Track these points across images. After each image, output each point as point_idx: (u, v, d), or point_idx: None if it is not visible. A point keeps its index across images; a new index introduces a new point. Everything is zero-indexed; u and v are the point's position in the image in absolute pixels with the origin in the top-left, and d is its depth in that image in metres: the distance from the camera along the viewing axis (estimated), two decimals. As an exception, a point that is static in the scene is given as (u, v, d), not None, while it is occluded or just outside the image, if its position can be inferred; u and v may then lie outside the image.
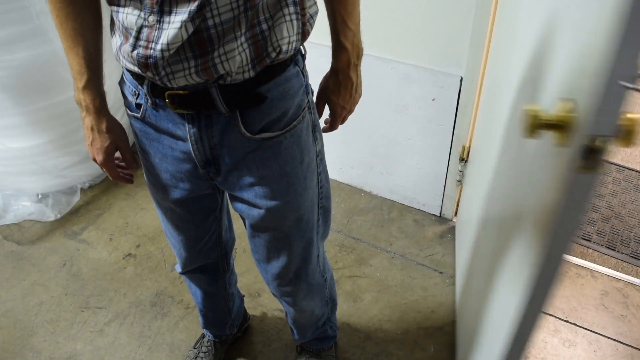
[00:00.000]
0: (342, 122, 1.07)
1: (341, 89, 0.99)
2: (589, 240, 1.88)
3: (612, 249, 1.85)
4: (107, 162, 0.95)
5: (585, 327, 1.60)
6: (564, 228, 0.62)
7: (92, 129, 0.91)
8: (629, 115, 0.54)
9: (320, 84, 1.02)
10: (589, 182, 0.58)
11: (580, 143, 0.54)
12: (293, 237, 1.01)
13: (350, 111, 1.05)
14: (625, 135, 0.54)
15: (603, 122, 0.53)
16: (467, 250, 1.53)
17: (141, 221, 2.03)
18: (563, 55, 0.69)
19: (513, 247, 0.90)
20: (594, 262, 1.80)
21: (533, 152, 0.81)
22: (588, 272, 1.77)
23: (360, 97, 1.04)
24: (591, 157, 0.55)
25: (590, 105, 0.52)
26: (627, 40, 0.48)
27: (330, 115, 1.05)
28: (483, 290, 1.15)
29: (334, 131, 1.09)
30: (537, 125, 0.58)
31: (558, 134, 0.60)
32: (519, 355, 0.81)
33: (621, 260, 1.81)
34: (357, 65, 0.97)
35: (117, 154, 0.97)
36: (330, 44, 0.95)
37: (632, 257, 1.82)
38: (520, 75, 0.98)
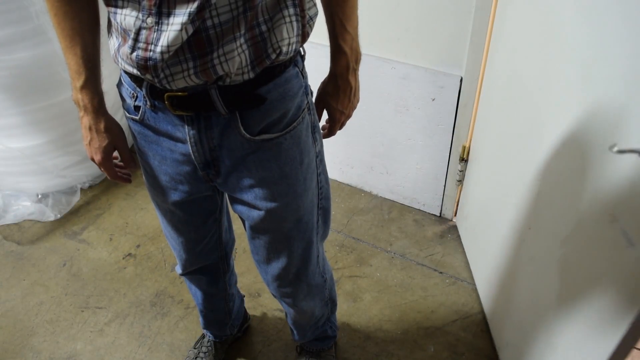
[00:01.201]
0: (340, 127, 1.06)
1: (340, 94, 0.98)
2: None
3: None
4: (105, 162, 0.94)
5: (585, 327, 1.59)
6: None
7: (90, 128, 0.91)
8: None
9: (319, 89, 1.02)
10: None
11: None
12: (293, 238, 1.01)
13: (349, 116, 1.04)
14: None
15: None
16: (494, 257, 1.51)
17: (141, 221, 2.03)
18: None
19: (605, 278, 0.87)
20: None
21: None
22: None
23: (358, 102, 1.04)
24: None
25: None
26: None
27: (329, 120, 1.04)
28: (549, 314, 1.13)
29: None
30: None
31: None
32: None
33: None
34: (355, 70, 0.97)
35: (116, 154, 0.97)
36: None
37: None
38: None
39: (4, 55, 1.71)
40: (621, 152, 0.48)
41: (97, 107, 0.89)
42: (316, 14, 0.85)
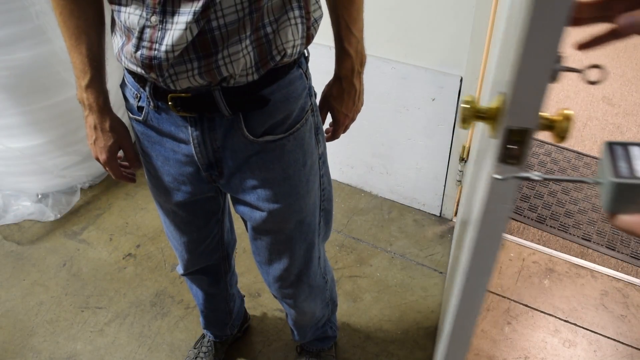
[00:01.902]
0: (344, 130, 1.06)
1: (345, 97, 0.98)
2: (589, 240, 1.88)
3: (612, 249, 1.85)
4: (111, 161, 0.94)
5: (585, 327, 1.60)
6: (492, 220, 0.63)
7: (95, 127, 0.91)
8: (565, 111, 0.54)
9: (323, 92, 1.02)
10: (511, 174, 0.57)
11: (503, 135, 0.54)
12: (295, 239, 1.01)
13: (353, 119, 1.05)
14: (558, 130, 0.54)
15: (521, 114, 0.52)
16: (454, 258, 1.54)
17: (141, 221, 2.03)
18: (500, 47, 0.70)
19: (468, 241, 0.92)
20: (594, 262, 1.80)
21: (484, 145, 0.82)
22: (588, 272, 1.77)
23: (362, 105, 1.04)
24: (513, 149, 0.54)
25: (510, 96, 0.52)
26: (543, 31, 0.46)
27: (333, 123, 1.04)
28: (450, 286, 1.17)
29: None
30: (470, 116, 0.59)
31: (489, 126, 0.61)
32: (463, 338, 0.81)
33: (621, 260, 1.81)
34: (360, 73, 0.97)
35: (120, 153, 0.97)
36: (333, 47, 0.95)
37: (632, 257, 1.82)
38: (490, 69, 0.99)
39: (4, 55, 1.71)
40: (503, 179, 0.55)
41: (102, 105, 0.89)
42: (321, 17, 0.85)
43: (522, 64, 0.49)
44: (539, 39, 0.47)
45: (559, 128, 0.55)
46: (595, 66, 0.53)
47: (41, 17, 1.72)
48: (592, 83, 0.53)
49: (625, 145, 0.46)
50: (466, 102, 0.58)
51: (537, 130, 0.55)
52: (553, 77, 0.50)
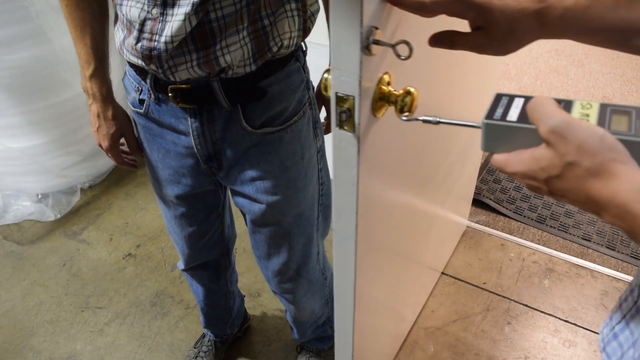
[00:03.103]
0: None
1: None
2: (589, 240, 1.88)
3: (612, 249, 1.85)
4: (113, 148, 0.98)
5: (585, 327, 1.60)
6: (342, 183, 0.68)
7: (98, 115, 0.94)
8: (408, 87, 0.57)
9: (318, 86, 1.03)
10: (348, 140, 0.62)
11: (333, 100, 0.58)
12: (293, 233, 1.02)
13: None
14: (400, 105, 0.58)
15: (343, 82, 0.56)
16: None
17: (141, 221, 2.03)
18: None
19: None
20: (594, 262, 1.80)
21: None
22: (588, 272, 1.77)
23: None
24: (344, 115, 0.59)
25: (331, 64, 0.56)
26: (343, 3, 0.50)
27: (327, 117, 1.06)
28: None
29: None
30: (328, 85, 0.61)
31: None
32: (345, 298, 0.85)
33: (621, 260, 1.81)
34: None
35: (122, 140, 1.00)
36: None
37: (632, 257, 1.82)
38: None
39: (4, 55, 1.72)
40: (408, 120, 0.59)
41: (106, 95, 0.93)
42: (318, 10, 0.87)
43: (333, 33, 0.53)
44: (341, 10, 0.51)
45: (400, 103, 0.58)
46: (404, 42, 0.56)
47: (41, 17, 1.72)
48: (402, 58, 0.56)
49: (513, 96, 0.50)
50: (327, 72, 0.61)
51: (375, 101, 0.60)
52: (366, 48, 0.54)
